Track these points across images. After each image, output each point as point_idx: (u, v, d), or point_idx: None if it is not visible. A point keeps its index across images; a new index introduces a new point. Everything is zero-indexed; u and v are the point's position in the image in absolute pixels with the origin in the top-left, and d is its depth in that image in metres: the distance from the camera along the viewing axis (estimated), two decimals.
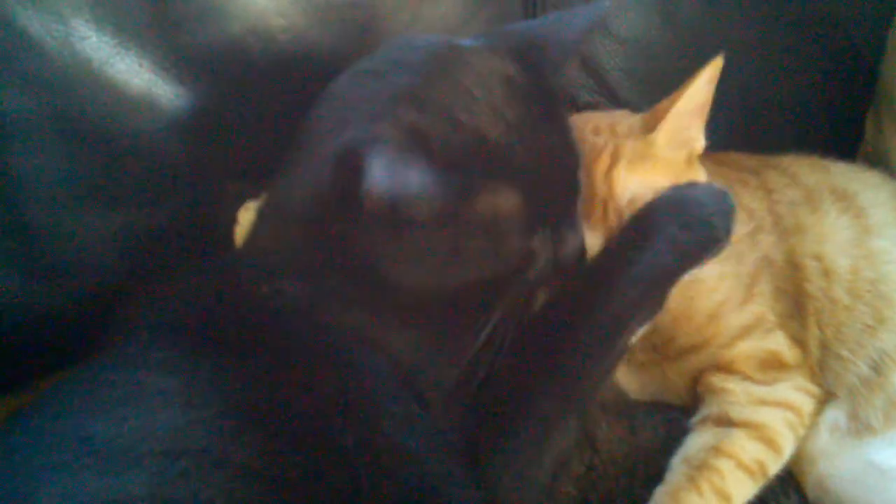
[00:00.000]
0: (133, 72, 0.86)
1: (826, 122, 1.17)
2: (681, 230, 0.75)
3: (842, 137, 1.18)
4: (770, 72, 1.11)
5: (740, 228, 0.85)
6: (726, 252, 0.88)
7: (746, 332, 0.87)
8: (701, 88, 0.84)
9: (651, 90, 1.05)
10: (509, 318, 0.70)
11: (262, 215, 0.79)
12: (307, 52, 0.94)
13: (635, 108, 1.02)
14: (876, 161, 1.12)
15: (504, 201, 0.66)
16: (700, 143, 0.88)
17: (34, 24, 0.80)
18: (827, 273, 0.89)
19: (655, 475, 0.82)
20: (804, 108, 1.15)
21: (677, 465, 0.82)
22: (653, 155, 0.85)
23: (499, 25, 1.06)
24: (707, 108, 0.86)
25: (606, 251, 0.78)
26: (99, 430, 0.64)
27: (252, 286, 0.72)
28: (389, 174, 0.59)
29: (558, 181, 0.69)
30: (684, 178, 0.85)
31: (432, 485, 0.67)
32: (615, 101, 1.15)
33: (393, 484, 0.66)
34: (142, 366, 0.69)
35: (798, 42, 1.11)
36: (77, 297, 0.92)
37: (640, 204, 0.80)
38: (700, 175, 0.89)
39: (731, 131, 1.09)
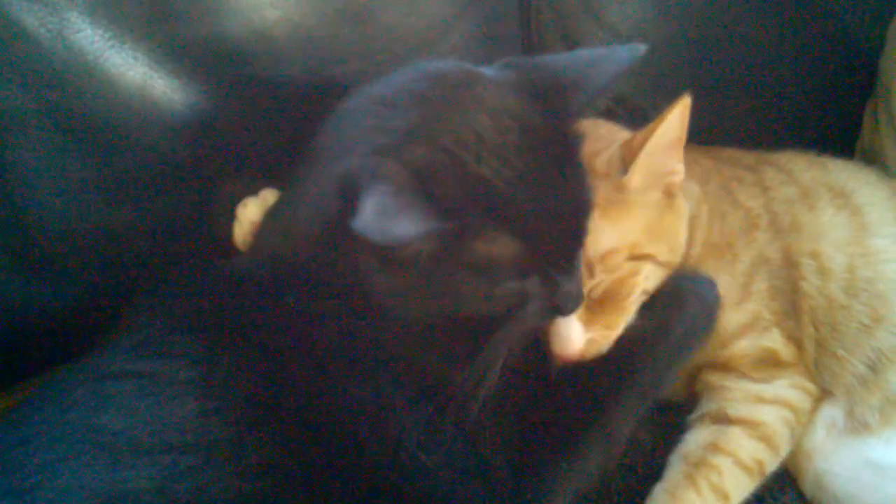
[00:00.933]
0: (128, 65, 0.85)
1: (824, 116, 1.16)
2: (682, 327, 0.82)
3: (839, 133, 1.18)
4: (768, 65, 1.11)
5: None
6: (721, 251, 0.89)
7: (744, 330, 0.87)
8: (672, 125, 0.79)
9: (648, 84, 1.04)
10: (501, 351, 0.71)
11: (271, 221, 0.80)
12: (303, 44, 0.93)
13: (631, 102, 1.01)
14: (871, 157, 1.13)
15: (500, 248, 0.65)
16: (679, 174, 0.84)
17: (29, 16, 0.79)
18: (823, 271, 0.88)
19: (654, 471, 0.83)
20: (802, 103, 1.14)
21: (676, 463, 0.82)
22: (626, 200, 0.81)
23: (494, 19, 1.06)
24: (682, 143, 0.82)
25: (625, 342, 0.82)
26: (108, 423, 0.65)
27: (265, 291, 0.73)
28: (381, 215, 0.58)
29: (562, 230, 0.69)
30: (661, 221, 0.83)
31: (443, 496, 0.70)
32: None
33: (403, 489, 0.68)
34: (153, 358, 0.70)
35: (796, 36, 1.10)
36: (76, 292, 0.92)
37: (614, 260, 0.79)
38: (681, 209, 0.86)
39: (729, 124, 1.09)
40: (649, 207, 0.83)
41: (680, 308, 0.83)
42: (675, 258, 0.85)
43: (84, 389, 0.69)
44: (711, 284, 0.85)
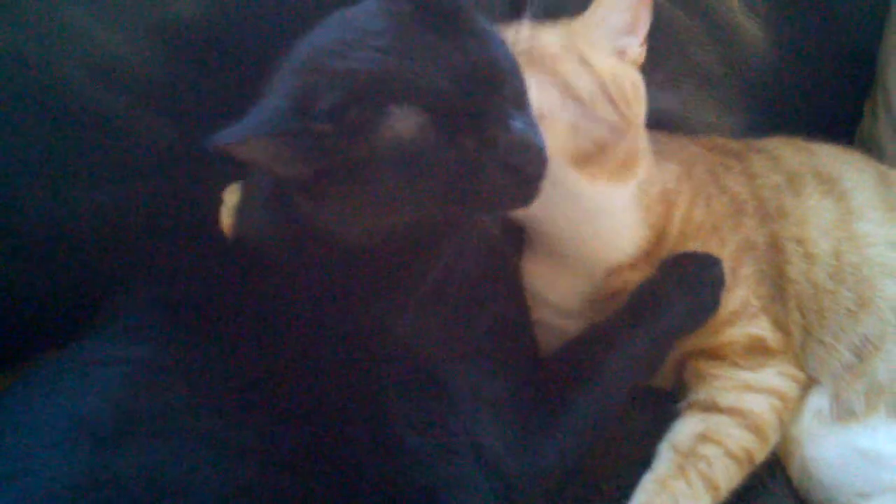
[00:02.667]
0: (111, 45, 0.84)
1: (826, 106, 1.17)
2: (685, 304, 0.85)
3: (841, 122, 1.19)
4: (769, 54, 1.12)
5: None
6: (707, 234, 0.89)
7: (733, 317, 0.87)
8: None
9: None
10: (470, 239, 0.72)
11: (242, 200, 0.80)
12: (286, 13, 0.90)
13: None
14: (870, 146, 1.15)
15: (405, 124, 0.64)
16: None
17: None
18: (809, 256, 0.89)
19: (643, 459, 0.83)
20: (804, 92, 1.15)
21: (665, 452, 0.82)
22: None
23: None
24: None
25: (624, 313, 0.84)
26: (94, 410, 0.65)
27: (245, 274, 0.74)
28: (276, 152, 0.62)
29: (477, 86, 0.66)
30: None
31: (433, 484, 0.70)
32: None
33: (393, 476, 0.69)
34: (139, 343, 0.71)
35: (797, 26, 1.11)
36: (62, 275, 0.90)
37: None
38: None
39: (729, 114, 1.11)
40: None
41: (684, 284, 0.85)
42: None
43: (70, 376, 0.69)
44: (717, 263, 0.86)
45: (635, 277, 0.87)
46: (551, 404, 0.77)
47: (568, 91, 0.81)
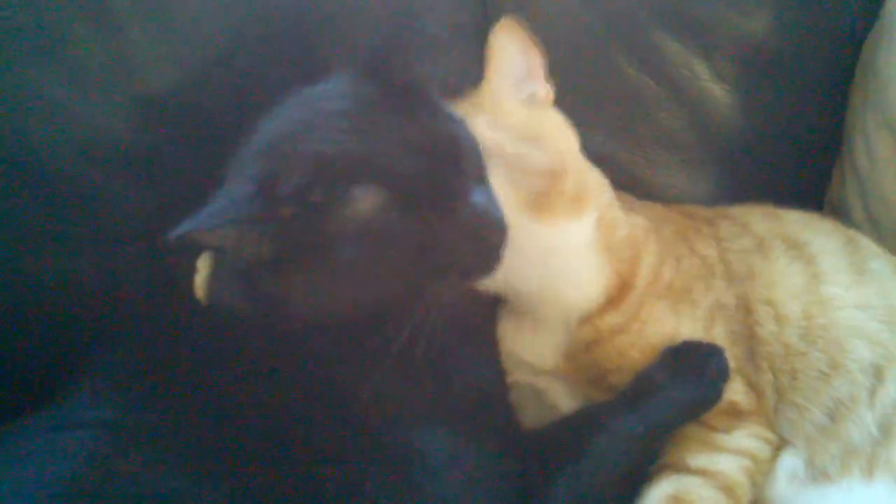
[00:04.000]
0: (85, 113, 0.86)
1: (795, 170, 1.19)
2: (684, 393, 0.83)
3: (810, 185, 1.21)
4: (738, 121, 1.14)
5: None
6: (678, 295, 0.90)
7: None
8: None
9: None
10: (435, 310, 0.71)
11: (212, 271, 0.81)
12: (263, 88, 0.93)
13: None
14: (839, 210, 1.16)
15: (364, 203, 0.66)
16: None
17: None
18: (779, 318, 0.89)
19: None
20: (772, 156, 1.16)
21: None
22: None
23: None
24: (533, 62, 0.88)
25: (618, 397, 0.84)
26: (64, 474, 0.64)
27: (216, 339, 0.75)
28: (239, 236, 0.64)
29: (438, 163, 0.68)
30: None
31: None
32: None
33: None
34: (111, 407, 0.71)
35: (766, 93, 1.13)
36: (36, 340, 0.90)
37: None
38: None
39: (698, 178, 1.13)
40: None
41: (685, 373, 0.84)
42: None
43: (38, 440, 0.69)
44: (720, 353, 0.85)
45: (606, 326, 0.87)
46: (533, 479, 0.77)
47: (489, 151, 0.81)
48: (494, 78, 0.87)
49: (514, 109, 0.87)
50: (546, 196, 0.84)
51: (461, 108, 0.85)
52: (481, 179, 0.73)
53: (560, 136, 0.89)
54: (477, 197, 0.70)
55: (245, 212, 0.63)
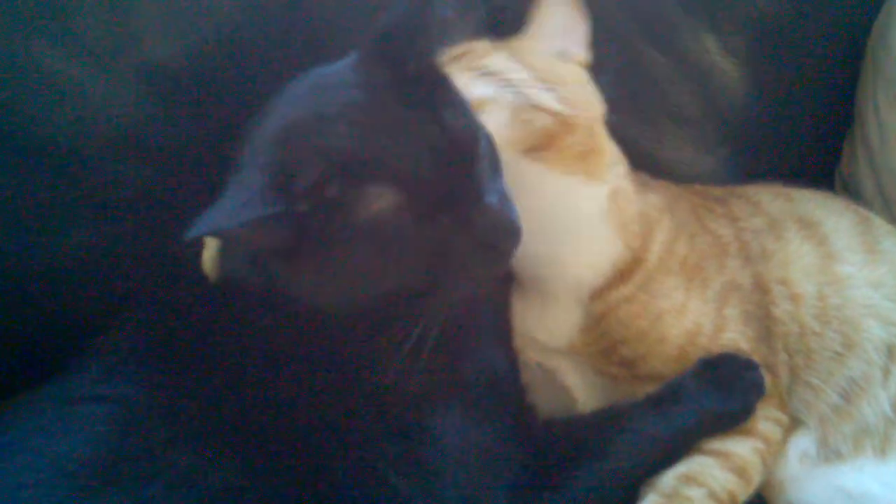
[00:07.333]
0: (88, 87, 0.85)
1: (804, 145, 1.18)
2: (714, 403, 0.82)
3: (820, 160, 1.20)
4: (746, 95, 1.13)
5: None
6: (690, 272, 0.89)
7: None
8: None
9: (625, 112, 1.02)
10: (442, 311, 0.71)
11: (223, 250, 0.80)
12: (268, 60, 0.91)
13: None
14: (849, 185, 1.16)
15: (379, 201, 0.65)
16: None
17: None
18: (794, 297, 0.89)
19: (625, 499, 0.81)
20: (781, 132, 1.15)
21: (648, 494, 0.80)
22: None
23: None
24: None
25: (645, 399, 0.83)
26: (73, 450, 0.65)
27: (226, 316, 0.75)
28: (254, 232, 0.63)
29: (453, 163, 0.67)
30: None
31: None
32: None
33: None
34: (122, 383, 0.71)
35: (774, 67, 1.12)
36: (44, 313, 0.91)
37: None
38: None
39: (706, 153, 1.12)
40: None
41: (716, 383, 0.83)
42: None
43: (51, 414, 0.70)
44: (755, 368, 0.84)
45: (617, 300, 0.86)
46: (548, 469, 0.76)
47: (504, 81, 0.80)
48: (533, 28, 0.88)
49: (542, 55, 0.86)
50: (551, 140, 0.82)
51: (486, 47, 0.84)
52: (496, 174, 0.72)
53: (580, 91, 0.87)
54: (491, 198, 0.69)
55: (262, 212, 0.62)
